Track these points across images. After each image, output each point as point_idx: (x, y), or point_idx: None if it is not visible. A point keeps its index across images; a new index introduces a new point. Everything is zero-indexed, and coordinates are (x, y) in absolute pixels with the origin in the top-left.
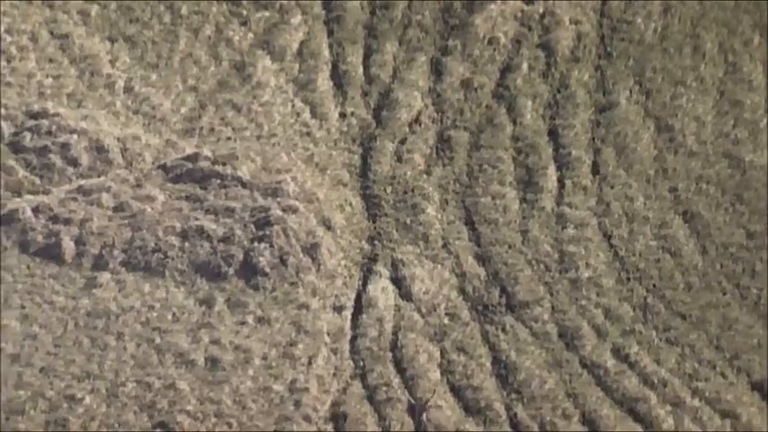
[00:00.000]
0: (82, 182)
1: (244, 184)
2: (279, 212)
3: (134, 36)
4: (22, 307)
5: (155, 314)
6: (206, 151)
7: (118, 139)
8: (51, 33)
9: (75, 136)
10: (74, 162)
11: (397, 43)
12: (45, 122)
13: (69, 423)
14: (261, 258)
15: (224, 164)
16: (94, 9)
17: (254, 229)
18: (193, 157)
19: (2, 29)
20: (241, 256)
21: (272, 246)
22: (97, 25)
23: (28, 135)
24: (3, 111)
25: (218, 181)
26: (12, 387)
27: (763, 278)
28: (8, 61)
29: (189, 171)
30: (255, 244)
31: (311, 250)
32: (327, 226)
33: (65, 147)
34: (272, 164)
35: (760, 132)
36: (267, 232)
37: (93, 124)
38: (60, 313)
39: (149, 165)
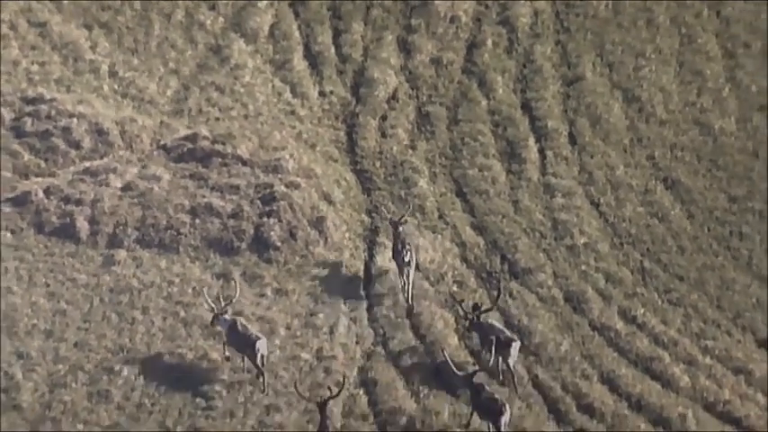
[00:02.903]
0: (87, 164)
1: (244, 162)
2: (283, 188)
3: (109, 22)
4: (47, 285)
5: (175, 289)
6: (204, 131)
7: (116, 122)
8: (29, 22)
9: (74, 120)
10: (76, 145)
11: (362, 23)
12: (44, 107)
13: (112, 394)
14: (271, 233)
15: (223, 143)
16: None
17: (260, 205)
18: (192, 137)
19: None
20: (252, 231)
21: (280, 220)
22: (71, 12)
23: (28, 120)
24: (1, 98)
25: (219, 159)
26: (51, 361)
27: (752, 240)
28: None
29: (190, 150)
30: (264, 219)
31: (317, 224)
32: (329, 200)
33: (66, 130)
34: (267, 142)
35: (724, 100)
36: (274, 208)
37: (90, 108)
38: (84, 290)
39: (148, 145)
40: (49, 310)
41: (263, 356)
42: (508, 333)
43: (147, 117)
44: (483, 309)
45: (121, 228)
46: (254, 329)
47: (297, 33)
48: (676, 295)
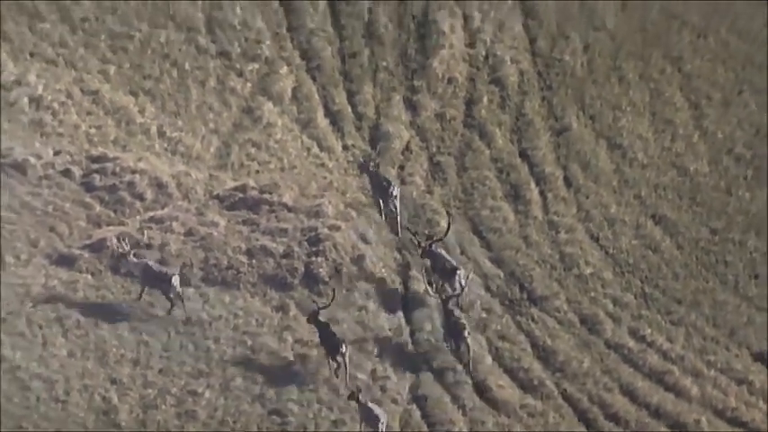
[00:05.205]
0: (151, 213)
1: (289, 209)
2: (326, 231)
3: (152, 89)
4: (128, 320)
5: (240, 320)
6: (251, 182)
7: (172, 176)
8: (82, 90)
9: (137, 175)
10: (140, 197)
11: (372, 85)
12: (109, 165)
13: (198, 414)
14: (320, 270)
15: (269, 192)
16: (112, 68)
17: (308, 246)
18: (242, 188)
19: (41, 88)
20: (302, 269)
21: (326, 259)
22: (118, 81)
23: (96, 176)
24: (68, 157)
25: (267, 207)
26: (140, 386)
27: (735, 266)
28: (54, 115)
29: (241, 199)
30: (313, 258)
31: (358, 261)
32: (365, 240)
33: (130, 184)
34: (306, 191)
35: (695, 145)
36: (320, 248)
37: (148, 165)
38: (161, 323)
39: (203, 196)
40: (133, 341)
41: (177, 291)
42: (454, 263)
43: (198, 171)
44: (434, 239)
45: (188, 268)
46: (166, 267)
47: (316, 95)
48: (677, 316)
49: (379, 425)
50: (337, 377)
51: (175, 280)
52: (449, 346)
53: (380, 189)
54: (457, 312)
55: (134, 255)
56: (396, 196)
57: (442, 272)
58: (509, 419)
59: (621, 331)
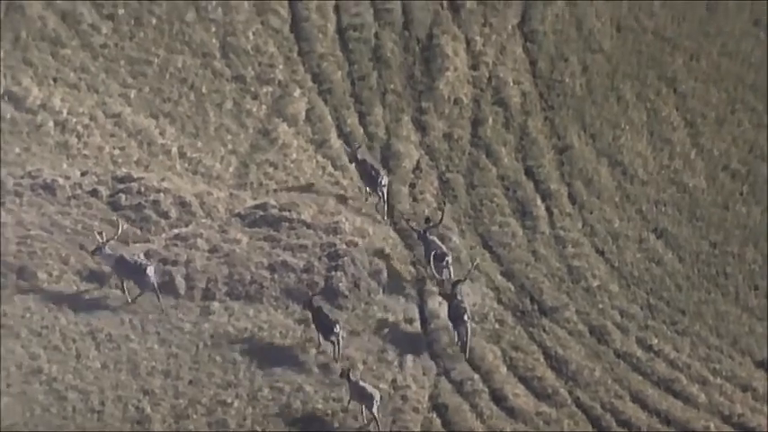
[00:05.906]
0: (176, 231)
1: (308, 226)
2: (344, 246)
3: (171, 112)
4: (158, 333)
5: (265, 333)
6: (272, 201)
7: (194, 195)
8: (105, 113)
9: (161, 194)
10: (165, 215)
11: (381, 107)
12: (134, 185)
13: (227, 423)
14: (340, 284)
15: (289, 210)
16: (133, 92)
17: (327, 261)
18: (262, 206)
19: (65, 111)
20: (323, 283)
21: (345, 273)
22: (139, 105)
23: (123, 196)
24: (94, 177)
25: (287, 224)
26: (172, 396)
27: (735, 278)
28: (78, 138)
29: (261, 217)
30: (333, 272)
31: (376, 275)
32: (381, 255)
33: (155, 203)
34: (324, 208)
35: (692, 162)
36: (339, 263)
37: (172, 184)
38: (189, 336)
39: (224, 214)
40: (164, 353)
41: (153, 281)
42: (444, 249)
43: (218, 190)
44: (430, 225)
45: (213, 283)
46: (141, 258)
47: (329, 117)
48: (681, 326)
49: (374, 403)
50: (335, 358)
51: (150, 270)
52: (452, 330)
53: (369, 178)
54: (459, 297)
55: (108, 247)
56: (384, 185)
57: (434, 257)
58: (526, 426)
59: (629, 341)
